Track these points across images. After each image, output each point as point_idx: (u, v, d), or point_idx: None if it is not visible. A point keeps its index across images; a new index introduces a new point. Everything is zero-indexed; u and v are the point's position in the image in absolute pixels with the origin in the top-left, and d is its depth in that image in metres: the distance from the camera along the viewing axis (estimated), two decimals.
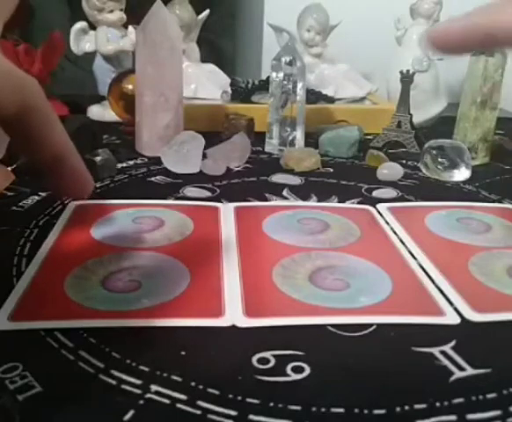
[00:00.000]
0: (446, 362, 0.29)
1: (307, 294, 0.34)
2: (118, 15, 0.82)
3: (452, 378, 0.28)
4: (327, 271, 0.38)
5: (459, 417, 0.25)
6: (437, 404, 0.26)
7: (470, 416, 0.25)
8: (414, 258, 0.41)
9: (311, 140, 0.71)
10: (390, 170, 0.61)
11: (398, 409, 0.25)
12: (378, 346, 0.30)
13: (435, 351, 0.30)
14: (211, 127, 0.72)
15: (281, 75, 0.67)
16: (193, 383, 0.26)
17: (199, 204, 0.50)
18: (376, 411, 0.25)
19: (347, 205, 0.52)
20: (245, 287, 0.35)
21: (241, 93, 0.83)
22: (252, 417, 0.25)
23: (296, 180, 0.59)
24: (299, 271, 0.37)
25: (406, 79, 0.70)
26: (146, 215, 0.46)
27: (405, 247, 0.42)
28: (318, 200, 0.52)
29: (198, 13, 0.87)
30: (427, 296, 0.35)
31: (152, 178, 0.57)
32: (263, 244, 0.42)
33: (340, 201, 0.52)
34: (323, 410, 0.25)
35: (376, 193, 0.55)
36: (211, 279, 0.36)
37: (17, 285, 0.34)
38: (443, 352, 0.29)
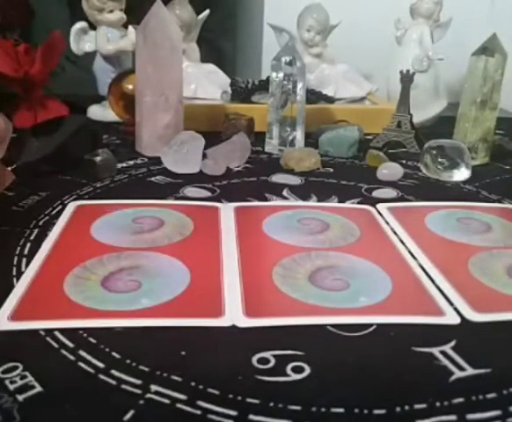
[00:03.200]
0: (446, 362, 0.29)
1: (307, 294, 0.34)
2: (118, 15, 0.82)
3: (452, 378, 0.28)
4: (327, 271, 0.38)
5: (459, 417, 0.25)
6: (437, 404, 0.26)
7: (470, 416, 0.25)
8: (414, 258, 0.41)
9: (311, 140, 0.71)
10: (390, 170, 0.61)
11: (398, 409, 0.25)
12: (378, 346, 0.30)
13: (435, 351, 0.30)
14: (211, 127, 0.72)
15: (281, 75, 0.67)
16: (193, 383, 0.26)
17: (199, 204, 0.50)
18: (376, 411, 0.25)
19: (347, 205, 0.52)
20: (245, 287, 0.35)
21: (241, 93, 0.83)
22: (252, 417, 0.25)
23: (296, 180, 0.59)
24: (299, 271, 0.37)
25: (406, 79, 0.70)
26: (146, 215, 0.46)
27: (405, 247, 0.42)
28: (318, 200, 0.52)
29: (198, 13, 0.87)
30: (427, 296, 0.35)
31: (152, 178, 0.57)
32: (263, 244, 0.42)
33: (340, 201, 0.52)
34: (323, 410, 0.25)
35: (376, 193, 0.55)
36: (211, 279, 0.36)
37: (17, 285, 0.34)
38: (443, 352, 0.29)
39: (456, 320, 0.33)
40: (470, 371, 0.28)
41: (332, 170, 0.63)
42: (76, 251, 0.39)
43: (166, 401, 0.25)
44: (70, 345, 0.29)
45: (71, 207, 0.48)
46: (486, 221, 0.48)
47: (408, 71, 0.70)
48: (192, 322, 0.31)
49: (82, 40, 0.84)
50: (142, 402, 0.25)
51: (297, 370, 0.28)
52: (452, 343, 0.30)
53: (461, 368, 0.28)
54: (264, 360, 0.28)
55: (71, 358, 0.28)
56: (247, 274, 0.37)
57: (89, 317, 0.31)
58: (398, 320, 0.32)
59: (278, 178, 0.59)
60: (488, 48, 0.65)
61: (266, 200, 0.52)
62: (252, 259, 0.39)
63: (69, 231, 0.43)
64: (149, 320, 0.31)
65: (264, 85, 0.80)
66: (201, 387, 0.26)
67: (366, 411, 0.25)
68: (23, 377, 0.26)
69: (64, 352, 0.28)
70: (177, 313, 0.32)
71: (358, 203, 0.52)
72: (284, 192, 0.54)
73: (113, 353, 0.28)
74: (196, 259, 0.39)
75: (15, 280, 0.35)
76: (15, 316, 0.31)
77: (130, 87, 0.71)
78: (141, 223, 0.45)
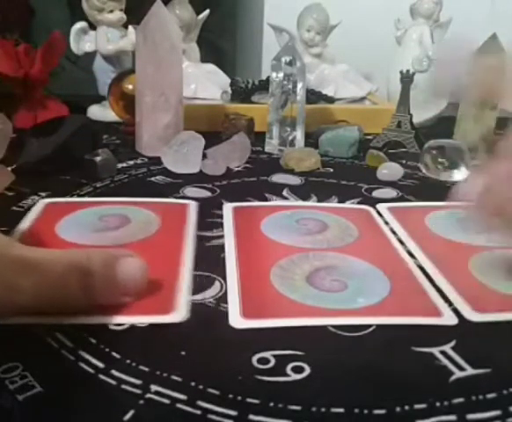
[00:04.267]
0: (446, 362, 0.29)
1: (305, 295, 0.34)
2: (118, 15, 0.82)
3: (452, 378, 0.28)
4: (325, 271, 0.38)
5: (459, 417, 0.25)
6: (437, 404, 0.26)
7: (470, 416, 0.25)
8: (414, 258, 0.41)
9: (311, 140, 0.71)
10: (390, 170, 0.61)
11: (398, 409, 0.25)
12: (378, 346, 0.30)
13: (435, 351, 0.30)
14: (211, 127, 0.72)
15: (281, 75, 0.67)
16: (193, 383, 0.26)
17: (167, 201, 0.50)
18: (376, 411, 0.25)
19: (346, 205, 0.52)
20: (242, 288, 0.35)
21: (241, 93, 0.83)
22: (252, 417, 0.25)
23: (296, 180, 0.59)
24: (297, 272, 0.37)
25: (406, 79, 0.70)
26: (113, 213, 0.46)
27: (405, 247, 0.42)
28: (318, 200, 0.52)
29: (198, 13, 0.87)
30: (427, 297, 0.35)
31: (152, 178, 0.57)
32: (261, 245, 0.42)
33: (340, 201, 0.52)
34: (323, 410, 0.25)
35: (376, 193, 0.55)
36: (168, 276, 0.36)
37: None
38: (443, 353, 0.29)
39: (455, 320, 0.33)
40: (470, 371, 0.28)
41: (332, 170, 0.63)
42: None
43: (166, 401, 0.25)
44: (70, 345, 0.29)
45: (42, 204, 0.48)
46: None
47: (408, 71, 0.70)
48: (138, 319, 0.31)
49: (82, 40, 0.84)
50: (142, 402, 0.25)
51: (297, 370, 0.28)
52: (452, 343, 0.30)
53: (461, 368, 0.28)
54: (264, 360, 0.28)
55: (71, 358, 0.28)
56: (245, 275, 0.37)
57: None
58: (396, 321, 0.32)
59: (278, 178, 0.59)
60: (488, 48, 0.65)
61: (266, 200, 0.52)
62: (249, 260, 0.39)
63: (35, 228, 0.43)
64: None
65: (264, 85, 0.80)
66: (200, 387, 0.26)
67: (366, 411, 0.25)
68: (23, 377, 0.26)
69: (64, 352, 0.28)
70: (130, 311, 0.32)
71: (358, 203, 0.52)
72: (284, 192, 0.54)
73: (113, 353, 0.28)
74: (156, 257, 0.38)
75: None
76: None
77: (130, 87, 0.71)
78: (106, 221, 0.45)
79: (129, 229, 0.43)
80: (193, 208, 0.48)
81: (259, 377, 0.27)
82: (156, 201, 0.50)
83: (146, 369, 0.27)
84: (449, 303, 0.34)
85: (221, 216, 0.47)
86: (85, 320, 0.31)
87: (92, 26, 0.84)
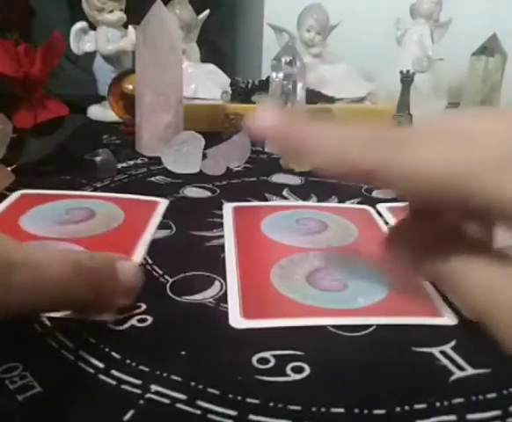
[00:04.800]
0: (446, 362, 0.29)
1: (305, 295, 0.34)
2: (118, 15, 0.82)
3: (452, 378, 0.28)
4: (325, 271, 0.38)
5: (459, 417, 0.25)
6: (437, 404, 0.26)
7: (470, 416, 0.25)
8: None
9: None
10: None
11: (398, 409, 0.25)
12: (378, 346, 0.30)
13: (435, 351, 0.30)
14: (211, 127, 0.72)
15: (281, 75, 0.67)
16: (193, 383, 0.26)
17: (139, 198, 0.50)
18: (376, 411, 0.25)
19: (346, 205, 0.52)
20: (242, 288, 0.35)
21: (241, 93, 0.83)
22: (252, 417, 0.25)
23: (296, 180, 0.59)
24: (297, 272, 0.37)
25: (406, 79, 0.70)
26: (80, 207, 0.46)
27: None
28: (318, 200, 0.52)
29: (198, 13, 0.87)
30: (426, 296, 0.35)
31: (152, 178, 0.57)
32: (261, 245, 0.42)
33: (340, 201, 0.52)
34: (323, 410, 0.25)
35: (376, 193, 0.55)
36: None
37: None
38: (443, 352, 0.29)
39: (455, 320, 0.33)
40: (470, 371, 0.28)
41: None
42: None
43: (166, 401, 0.25)
44: (70, 345, 0.29)
45: (16, 195, 0.48)
46: None
47: (408, 71, 0.70)
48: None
49: (82, 40, 0.84)
50: (142, 402, 0.25)
51: (297, 370, 0.28)
52: (452, 343, 0.30)
53: (461, 368, 0.28)
54: (264, 360, 0.28)
55: (71, 358, 0.28)
56: (245, 275, 0.37)
57: None
58: (396, 321, 0.32)
59: (278, 178, 0.59)
60: (488, 48, 0.65)
61: (266, 200, 0.52)
62: (249, 260, 0.39)
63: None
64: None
65: (264, 85, 0.80)
66: (200, 387, 0.26)
67: (366, 411, 0.25)
68: (23, 377, 0.26)
69: (64, 352, 0.28)
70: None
71: (358, 203, 0.52)
72: (284, 192, 0.54)
73: (113, 353, 0.28)
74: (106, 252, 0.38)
75: None
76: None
77: (130, 87, 0.71)
78: (73, 214, 0.45)
79: (91, 223, 0.43)
80: (162, 207, 0.48)
81: (259, 377, 0.27)
82: (127, 197, 0.49)
83: (146, 369, 0.27)
84: (449, 303, 0.34)
85: (221, 216, 0.47)
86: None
87: (92, 26, 0.84)
